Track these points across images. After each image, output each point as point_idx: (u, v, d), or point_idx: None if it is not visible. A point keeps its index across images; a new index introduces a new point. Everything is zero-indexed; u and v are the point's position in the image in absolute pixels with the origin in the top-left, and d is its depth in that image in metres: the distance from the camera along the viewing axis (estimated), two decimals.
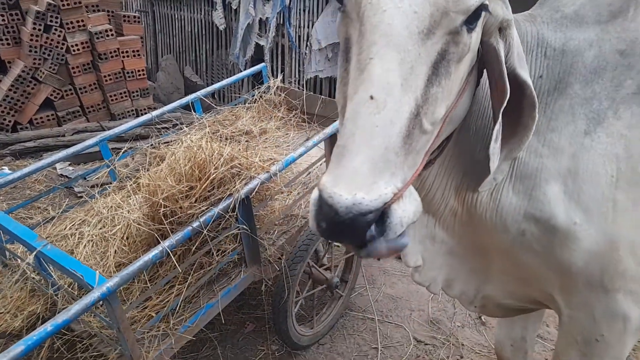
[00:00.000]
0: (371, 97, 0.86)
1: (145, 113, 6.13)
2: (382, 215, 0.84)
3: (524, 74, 1.10)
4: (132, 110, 6.06)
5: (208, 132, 2.85)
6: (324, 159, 2.83)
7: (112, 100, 5.85)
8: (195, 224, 2.01)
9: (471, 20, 0.94)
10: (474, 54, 1.07)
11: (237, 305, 3.15)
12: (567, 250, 1.29)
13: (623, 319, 1.36)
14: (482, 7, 0.95)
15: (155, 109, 6.38)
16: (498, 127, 1.11)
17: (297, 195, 2.79)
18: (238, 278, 2.38)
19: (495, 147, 1.12)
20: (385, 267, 3.60)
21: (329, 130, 2.65)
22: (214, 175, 2.06)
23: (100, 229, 2.51)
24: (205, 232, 2.02)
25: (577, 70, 1.27)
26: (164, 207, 2.00)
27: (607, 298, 1.35)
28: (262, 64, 3.86)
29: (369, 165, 0.83)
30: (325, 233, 0.86)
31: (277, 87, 3.75)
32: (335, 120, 3.37)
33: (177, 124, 3.71)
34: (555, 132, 1.28)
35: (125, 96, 5.97)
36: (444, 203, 1.41)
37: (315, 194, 0.88)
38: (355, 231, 0.83)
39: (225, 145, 2.53)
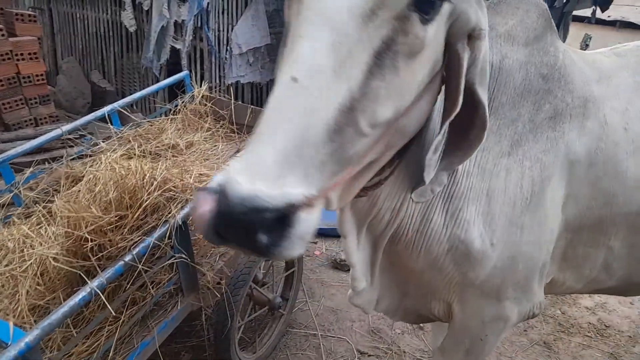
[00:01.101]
0: (294, 79, 0.73)
1: (46, 122, 5.55)
2: (283, 220, 0.69)
3: (482, 93, 1.03)
4: (31, 120, 5.43)
5: (132, 149, 2.59)
6: None
7: (5, 108, 5.18)
8: (128, 258, 1.79)
9: (424, 7, 0.83)
10: (437, 57, 0.97)
11: (170, 334, 2.91)
12: (477, 267, 1.36)
13: (505, 320, 1.52)
14: None
15: (57, 117, 5.79)
16: (440, 138, 1.05)
17: None
18: (175, 309, 2.18)
19: (432, 158, 1.05)
20: (322, 279, 3.55)
21: None
22: (147, 202, 1.86)
23: (6, 265, 2.16)
24: (140, 266, 1.81)
25: (508, 91, 1.32)
26: (90, 241, 1.76)
27: (498, 305, 1.48)
28: (185, 72, 3.63)
29: (278, 155, 0.69)
30: (207, 227, 0.70)
31: (203, 96, 3.55)
32: None
33: (89, 138, 3.36)
34: (485, 152, 1.31)
35: (22, 104, 5.32)
36: (390, 225, 1.34)
37: (215, 179, 0.72)
38: (244, 230, 0.68)
39: (151, 163, 2.32)
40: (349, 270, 3.80)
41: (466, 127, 1.08)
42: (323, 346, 2.94)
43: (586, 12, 7.79)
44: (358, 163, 0.87)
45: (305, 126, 0.72)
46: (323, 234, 4.02)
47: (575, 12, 7.40)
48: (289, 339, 2.98)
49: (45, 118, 5.52)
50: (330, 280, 3.54)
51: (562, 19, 6.81)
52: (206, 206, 0.69)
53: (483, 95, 1.03)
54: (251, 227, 0.67)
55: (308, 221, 0.70)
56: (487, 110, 1.03)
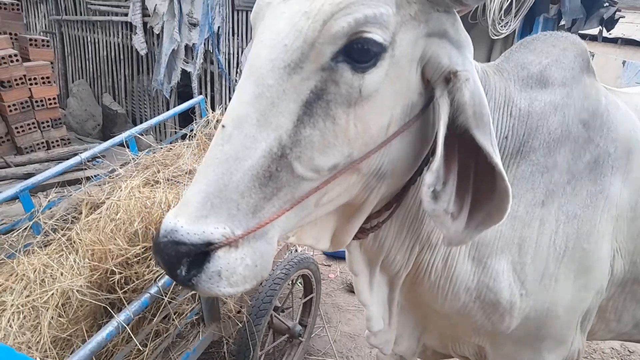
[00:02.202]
0: (223, 127, 0.80)
1: (58, 145, 5.58)
2: (201, 256, 0.76)
3: (482, 137, 0.90)
4: (43, 143, 5.46)
5: (151, 175, 2.58)
6: None
7: (18, 132, 5.22)
8: (154, 290, 1.77)
9: (356, 56, 0.81)
10: (407, 101, 0.91)
11: None
12: (507, 318, 1.31)
13: None
14: (367, 40, 0.80)
15: (68, 140, 5.82)
16: (435, 165, 0.90)
17: None
18: (197, 340, 2.15)
19: (436, 209, 0.92)
20: (338, 303, 3.50)
21: None
22: None
23: (27, 296, 2.14)
24: (166, 298, 1.79)
25: (541, 136, 1.22)
26: (117, 274, 1.74)
27: (534, 353, 1.42)
28: (201, 97, 3.65)
29: (201, 197, 0.77)
30: (153, 253, 0.81)
31: (217, 120, 3.56)
32: None
33: (101, 160, 3.37)
34: (515, 199, 1.21)
35: (34, 127, 5.36)
36: (405, 266, 1.28)
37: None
38: (168, 259, 0.76)
39: (172, 190, 2.31)
40: None
41: (490, 179, 0.95)
42: None
43: (590, 30, 7.85)
44: (318, 205, 0.90)
45: (228, 171, 0.77)
46: (337, 256, 3.98)
47: (580, 31, 7.46)
48: None
49: (57, 141, 5.55)
50: (347, 305, 3.49)
51: None
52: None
53: (484, 139, 0.90)
54: (174, 258, 0.75)
55: (226, 259, 0.77)
56: (494, 157, 0.90)
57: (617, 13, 6.94)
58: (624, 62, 11.52)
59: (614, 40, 13.45)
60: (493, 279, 1.26)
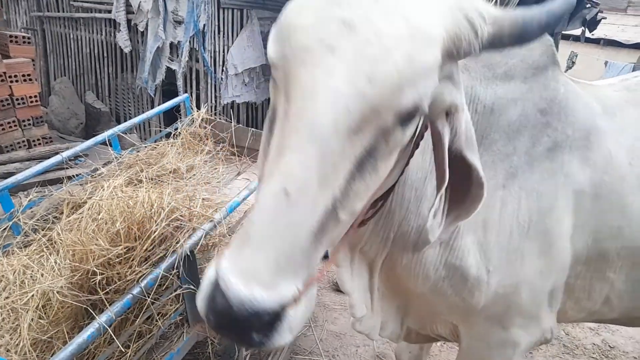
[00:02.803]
0: (285, 192, 0.78)
1: (39, 143, 5.47)
2: (274, 318, 0.79)
3: (472, 157, 1.02)
4: (24, 141, 5.35)
5: (134, 175, 2.55)
6: None
7: None
8: (136, 291, 1.75)
9: (405, 119, 0.85)
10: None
11: None
12: (477, 293, 1.40)
13: (513, 346, 1.54)
14: (417, 108, 0.86)
15: (50, 138, 5.72)
16: (437, 205, 1.05)
17: None
18: (181, 341, 2.13)
19: (433, 223, 1.06)
20: (325, 302, 3.50)
21: None
22: (155, 233, 1.82)
23: (7, 297, 2.10)
24: (149, 299, 1.77)
25: (502, 128, 1.33)
26: (99, 275, 1.71)
27: (504, 331, 1.51)
28: (185, 95, 3.61)
29: (272, 264, 0.77)
30: (211, 323, 0.79)
31: (202, 119, 3.53)
32: None
33: (83, 159, 3.31)
34: None
35: (15, 125, 5.25)
36: (380, 253, 1.40)
37: (212, 273, 0.80)
38: (244, 328, 0.77)
39: (155, 189, 2.29)
40: None
41: (466, 185, 1.07)
42: None
43: (573, 31, 7.97)
44: (336, 240, 0.94)
45: (295, 237, 0.78)
46: (324, 255, 3.98)
47: (564, 32, 7.56)
48: None
49: (38, 139, 5.45)
50: (333, 304, 3.49)
51: (553, 39, 6.95)
52: (210, 305, 0.79)
53: (474, 158, 1.02)
54: (250, 326, 0.76)
55: (294, 314, 0.80)
56: (480, 172, 1.02)
57: (599, 14, 7.05)
58: (606, 63, 11.72)
59: (596, 41, 13.66)
60: (460, 258, 1.37)
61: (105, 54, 6.46)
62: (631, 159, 1.47)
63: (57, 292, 1.79)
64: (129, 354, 1.85)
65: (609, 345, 3.26)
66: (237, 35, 5.98)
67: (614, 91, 1.62)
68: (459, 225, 1.33)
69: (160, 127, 4.03)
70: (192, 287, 2.00)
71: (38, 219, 2.58)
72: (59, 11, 6.74)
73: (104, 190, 2.32)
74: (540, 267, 1.40)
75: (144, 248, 1.80)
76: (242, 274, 0.76)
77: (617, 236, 1.47)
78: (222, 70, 5.90)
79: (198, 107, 3.63)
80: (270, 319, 0.77)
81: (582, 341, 3.28)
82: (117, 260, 1.76)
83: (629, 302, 1.62)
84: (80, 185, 2.79)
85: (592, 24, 7.23)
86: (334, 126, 0.78)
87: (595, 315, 1.70)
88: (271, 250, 0.77)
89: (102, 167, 2.89)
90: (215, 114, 4.53)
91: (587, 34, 7.51)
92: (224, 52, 5.84)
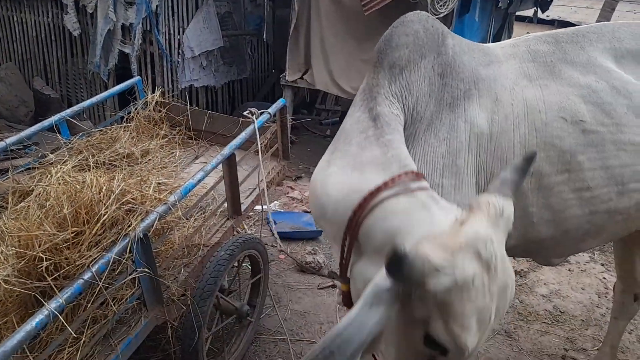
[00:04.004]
0: None
1: None
2: None
3: None
4: None
5: (84, 160, 2.46)
6: (222, 181, 2.65)
7: None
8: (87, 276, 1.71)
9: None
10: None
11: (134, 351, 2.80)
12: None
13: None
14: None
15: None
16: None
17: (196, 222, 2.57)
18: (139, 325, 2.09)
19: None
20: (289, 283, 3.53)
21: (226, 150, 2.48)
22: (104, 216, 1.77)
23: None
24: (100, 283, 1.73)
25: (419, 106, 1.64)
26: (45, 260, 1.65)
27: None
28: (137, 78, 3.50)
29: None
30: None
31: (157, 102, 3.44)
32: (227, 138, 3.20)
33: (34, 148, 3.18)
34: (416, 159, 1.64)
35: None
36: None
37: None
38: None
39: (106, 174, 2.22)
40: (314, 272, 3.78)
41: None
42: (293, 351, 2.92)
43: (528, 12, 8.16)
44: None
45: None
46: (287, 237, 3.99)
47: (518, 13, 7.73)
48: (258, 347, 2.94)
49: None
50: (297, 284, 3.52)
51: (506, 20, 7.09)
52: None
53: None
54: None
55: None
56: None
57: None
58: None
59: (550, 22, 14.03)
60: None
61: (53, 38, 6.17)
62: (512, 100, 1.73)
63: (3, 280, 1.72)
64: (82, 340, 1.80)
65: (560, 311, 3.44)
66: (192, 17, 5.82)
67: (501, 48, 1.90)
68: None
69: (115, 113, 3.90)
70: (147, 270, 1.97)
71: None
72: None
73: (51, 176, 2.23)
74: (457, 201, 1.55)
75: (93, 232, 1.75)
76: None
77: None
78: (178, 53, 5.74)
79: (153, 91, 3.52)
80: None
81: (535, 308, 3.44)
82: (64, 245, 1.70)
83: (520, 228, 1.78)
84: (28, 173, 2.68)
85: (545, 4, 7.42)
86: None
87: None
88: None
89: (51, 153, 2.78)
90: (172, 98, 4.41)
91: (540, 15, 7.70)
92: (179, 34, 5.69)
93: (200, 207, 2.73)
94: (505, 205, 1.15)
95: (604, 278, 3.83)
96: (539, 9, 7.43)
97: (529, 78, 1.78)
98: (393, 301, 1.06)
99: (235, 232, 2.84)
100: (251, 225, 4.32)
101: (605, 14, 7.18)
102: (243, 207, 2.79)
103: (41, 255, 1.66)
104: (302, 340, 3.01)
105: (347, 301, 1.53)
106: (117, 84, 5.73)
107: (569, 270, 3.93)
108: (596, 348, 3.07)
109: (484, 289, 1.04)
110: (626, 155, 1.74)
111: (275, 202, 4.71)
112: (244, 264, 2.89)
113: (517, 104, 1.73)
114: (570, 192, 1.72)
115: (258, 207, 3.67)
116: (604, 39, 1.90)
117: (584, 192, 1.73)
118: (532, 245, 1.89)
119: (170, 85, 5.75)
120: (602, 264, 4.04)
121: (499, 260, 1.07)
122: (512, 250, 1.92)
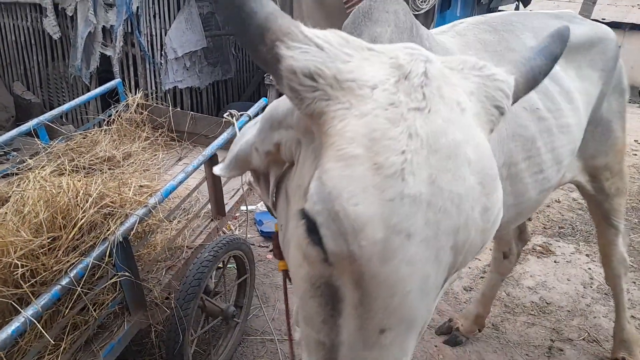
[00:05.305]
0: None
1: None
2: None
3: None
4: None
5: (63, 165, 2.43)
6: (205, 182, 2.63)
7: None
8: (65, 281, 1.68)
9: None
10: None
11: (118, 356, 2.77)
12: None
13: None
14: None
15: None
16: None
17: (179, 224, 2.55)
18: (121, 330, 2.07)
19: None
20: (276, 283, 3.51)
21: (207, 151, 2.46)
22: (82, 220, 1.75)
23: None
24: (79, 289, 1.70)
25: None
26: (21, 267, 1.63)
27: None
28: (117, 80, 3.46)
29: None
30: None
31: (138, 105, 3.40)
32: (210, 138, 3.17)
33: (14, 154, 3.13)
34: None
35: None
36: None
37: None
38: None
39: (85, 178, 2.19)
40: None
41: None
42: (280, 351, 2.90)
43: (510, 7, 8.23)
44: None
45: None
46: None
47: (500, 7, 7.79)
48: (246, 347, 2.92)
49: None
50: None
51: None
52: None
53: None
54: None
55: None
56: None
57: None
58: None
59: None
60: None
61: (32, 42, 6.08)
62: None
63: None
64: (62, 346, 1.78)
65: (546, 302, 3.46)
66: (174, 18, 5.78)
67: (450, 37, 1.85)
68: None
69: (96, 117, 3.85)
70: (128, 274, 1.95)
71: None
72: None
73: (29, 182, 2.20)
74: None
75: (70, 237, 1.72)
76: None
77: None
78: (161, 55, 5.70)
79: (155, 98, 3.50)
80: None
81: (522, 300, 3.47)
82: (41, 251, 1.68)
83: None
84: (6, 179, 2.63)
85: None
86: (427, 311, 0.76)
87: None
88: None
89: (29, 159, 2.74)
90: (156, 100, 4.37)
91: (522, 9, 7.77)
92: (161, 35, 5.64)
93: (184, 208, 2.71)
94: (505, 75, 0.85)
95: (589, 269, 3.88)
96: (521, 3, 7.49)
97: None
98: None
99: (220, 233, 2.82)
100: (238, 227, 4.30)
101: (587, 7, 7.26)
102: (227, 208, 2.77)
103: (17, 262, 1.63)
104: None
105: (277, 251, 1.13)
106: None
107: (555, 261, 3.97)
108: (582, 338, 3.10)
109: (395, 110, 0.68)
110: (563, 136, 1.88)
111: (261, 202, 4.70)
112: (229, 265, 2.87)
113: None
114: (529, 177, 1.79)
115: (244, 208, 3.65)
116: (528, 27, 1.99)
117: (538, 175, 1.82)
118: None
119: (153, 87, 5.70)
120: (587, 255, 4.08)
121: (438, 101, 0.72)
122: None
